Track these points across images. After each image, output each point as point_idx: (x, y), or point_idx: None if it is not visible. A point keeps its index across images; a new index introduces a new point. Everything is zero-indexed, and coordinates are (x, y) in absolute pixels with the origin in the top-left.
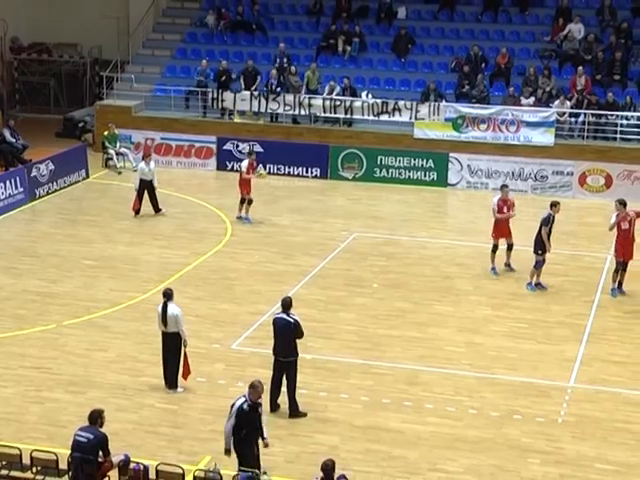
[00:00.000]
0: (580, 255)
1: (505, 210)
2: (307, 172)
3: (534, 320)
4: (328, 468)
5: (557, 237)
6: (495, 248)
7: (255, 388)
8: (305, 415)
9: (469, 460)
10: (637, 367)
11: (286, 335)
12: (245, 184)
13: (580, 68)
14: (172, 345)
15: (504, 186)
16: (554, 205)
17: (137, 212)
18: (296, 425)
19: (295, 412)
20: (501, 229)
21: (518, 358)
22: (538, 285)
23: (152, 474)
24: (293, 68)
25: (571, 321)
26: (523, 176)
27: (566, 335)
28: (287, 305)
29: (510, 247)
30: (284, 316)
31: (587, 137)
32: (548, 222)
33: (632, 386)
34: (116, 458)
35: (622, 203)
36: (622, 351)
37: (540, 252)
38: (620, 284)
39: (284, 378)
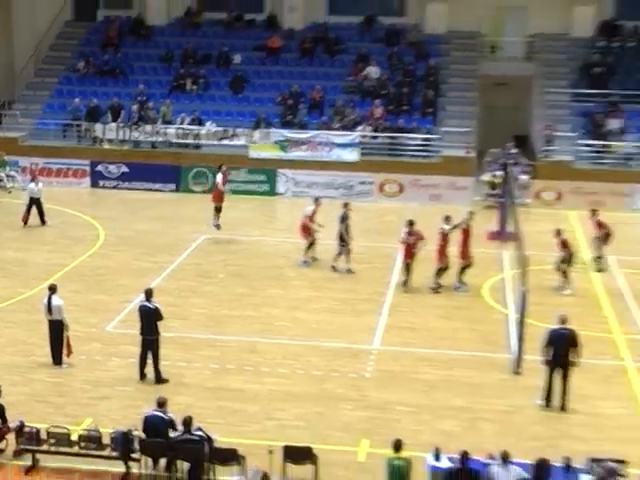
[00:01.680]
0: (379, 246)
1: (315, 218)
2: (164, 187)
3: (345, 298)
4: (187, 422)
5: (362, 233)
6: (311, 245)
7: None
8: (167, 381)
9: (297, 410)
10: (424, 331)
11: (149, 318)
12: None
13: (377, 101)
14: (56, 330)
15: (317, 198)
16: (345, 205)
17: (25, 223)
18: (160, 390)
19: (159, 379)
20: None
21: (334, 328)
22: (349, 270)
23: (43, 435)
24: (150, 104)
25: (374, 298)
26: (335, 186)
27: (370, 309)
28: (149, 294)
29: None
30: (147, 303)
31: (384, 154)
32: (343, 219)
33: (421, 345)
34: (13, 424)
35: (411, 223)
36: (413, 319)
37: (342, 244)
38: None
39: (149, 353)
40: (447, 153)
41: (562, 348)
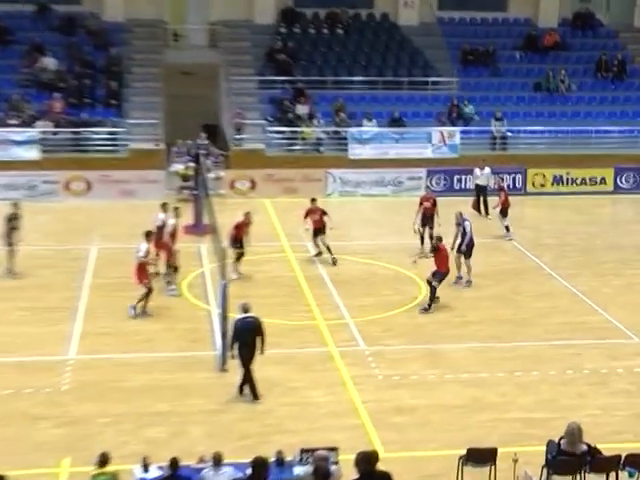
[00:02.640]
0: (68, 249)
1: None
2: None
3: (34, 307)
4: None
5: (46, 236)
6: None
7: None
8: None
9: None
10: (122, 335)
11: None
12: None
13: (56, 94)
14: None
15: None
16: (15, 205)
17: None
18: None
19: None
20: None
21: (23, 342)
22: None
23: None
24: None
25: (66, 304)
26: (16, 187)
27: (63, 316)
28: None
29: None
30: None
31: (68, 151)
32: (10, 219)
33: (120, 351)
34: None
35: (148, 234)
36: (110, 323)
37: (9, 245)
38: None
39: None
40: (135, 146)
41: (248, 337)
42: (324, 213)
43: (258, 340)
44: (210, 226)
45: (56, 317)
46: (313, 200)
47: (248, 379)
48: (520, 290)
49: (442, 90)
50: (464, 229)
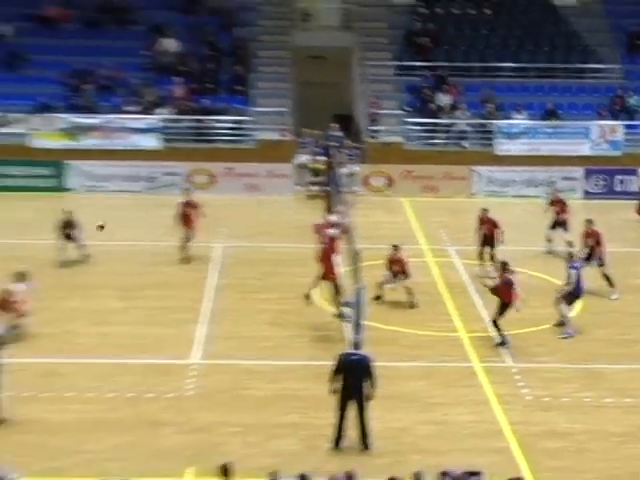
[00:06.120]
0: (191, 246)
1: None
2: None
3: (159, 307)
4: None
5: (169, 231)
6: None
7: None
8: None
9: (110, 439)
10: (250, 341)
11: None
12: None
13: (177, 78)
14: None
15: None
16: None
17: None
18: None
19: None
20: None
21: (147, 343)
22: None
23: None
24: None
25: (192, 305)
26: (135, 178)
27: (189, 318)
28: None
29: None
30: None
31: (191, 140)
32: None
33: (248, 357)
34: None
35: None
36: (237, 327)
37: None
38: None
39: None
40: (263, 137)
41: (353, 378)
42: (495, 226)
43: (366, 382)
44: (343, 226)
45: (180, 318)
46: (484, 210)
47: (359, 425)
48: None
49: (604, 79)
50: (569, 276)
